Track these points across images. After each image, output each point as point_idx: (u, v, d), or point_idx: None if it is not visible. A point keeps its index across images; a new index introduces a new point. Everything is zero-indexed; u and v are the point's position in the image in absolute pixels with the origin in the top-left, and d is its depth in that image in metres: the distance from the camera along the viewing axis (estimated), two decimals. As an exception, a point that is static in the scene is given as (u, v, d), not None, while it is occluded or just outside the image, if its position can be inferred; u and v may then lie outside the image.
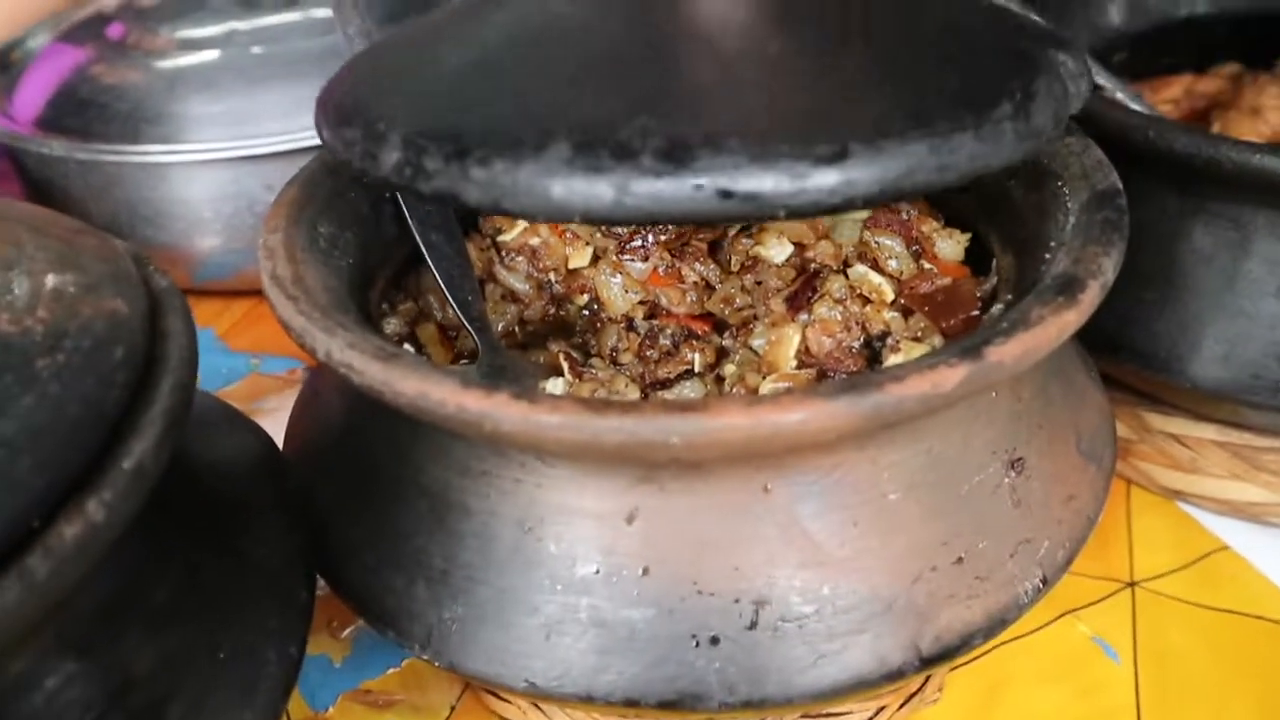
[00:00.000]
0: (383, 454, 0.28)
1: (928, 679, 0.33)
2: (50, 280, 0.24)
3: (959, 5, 0.30)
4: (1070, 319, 0.25)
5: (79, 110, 0.57)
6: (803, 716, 0.31)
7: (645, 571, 0.25)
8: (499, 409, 0.23)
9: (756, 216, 0.23)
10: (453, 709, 0.35)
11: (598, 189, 0.23)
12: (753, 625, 0.25)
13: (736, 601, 0.25)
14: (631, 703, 0.25)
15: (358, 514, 0.29)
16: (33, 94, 0.59)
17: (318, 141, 0.49)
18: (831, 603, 0.25)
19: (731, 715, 0.26)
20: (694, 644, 0.25)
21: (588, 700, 0.25)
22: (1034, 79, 0.25)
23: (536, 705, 0.33)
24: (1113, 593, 0.38)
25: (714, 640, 0.25)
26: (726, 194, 0.22)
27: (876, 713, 0.32)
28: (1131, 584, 0.38)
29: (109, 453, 0.22)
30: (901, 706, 0.33)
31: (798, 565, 0.25)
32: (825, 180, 0.22)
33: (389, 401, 0.24)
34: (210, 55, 0.59)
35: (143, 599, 0.23)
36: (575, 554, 0.26)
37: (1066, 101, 0.26)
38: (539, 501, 0.26)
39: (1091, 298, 0.26)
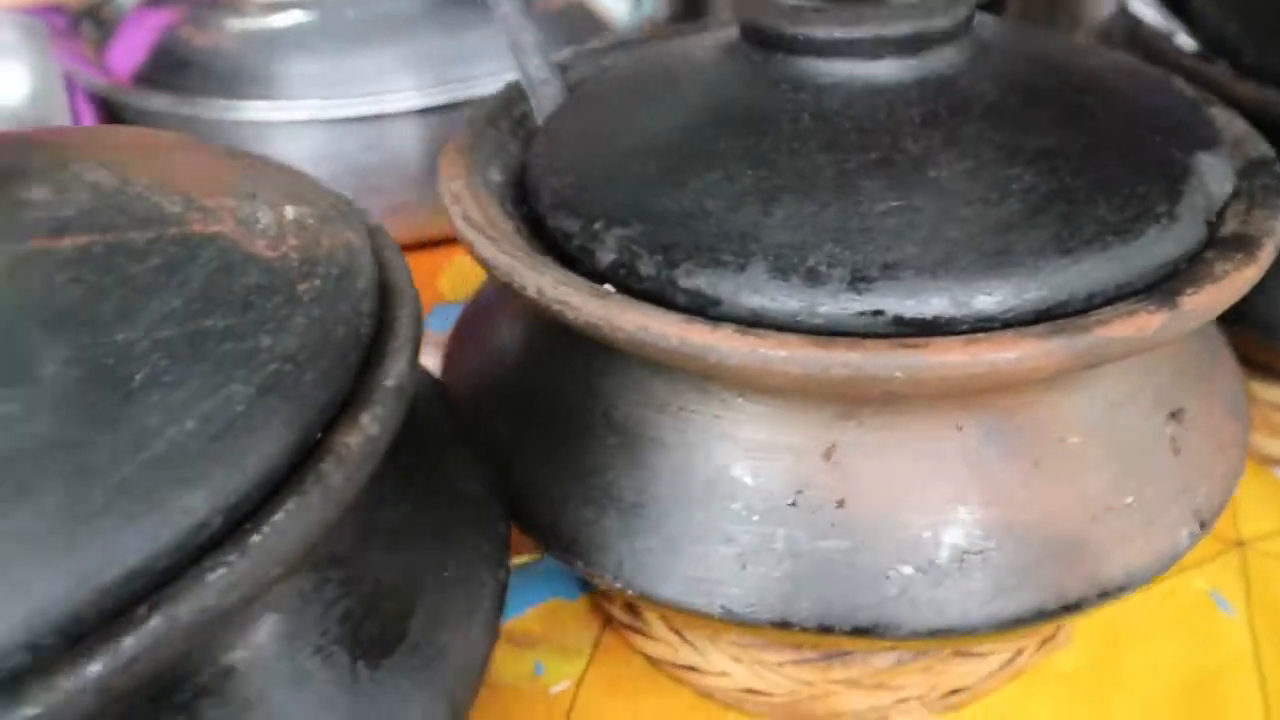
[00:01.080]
0: (570, 390, 0.29)
1: (1059, 626, 0.35)
2: (289, 212, 0.25)
3: (1120, 102, 0.31)
4: (1249, 274, 0.26)
5: (177, 67, 0.58)
6: (953, 653, 0.33)
7: (840, 504, 0.27)
8: (724, 343, 0.24)
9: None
10: (595, 646, 0.36)
11: (789, 306, 0.25)
12: (940, 558, 0.26)
13: (925, 535, 0.27)
14: (825, 629, 0.27)
15: (541, 449, 0.30)
16: (128, 50, 0.60)
17: (412, 105, 0.50)
18: (1015, 538, 0.27)
19: (917, 643, 0.27)
20: (885, 575, 0.27)
21: (782, 625, 0.27)
22: (1179, 198, 0.28)
23: (685, 640, 0.34)
24: (1222, 552, 0.39)
25: (903, 571, 0.26)
26: (900, 320, 0.25)
27: (1015, 655, 0.34)
28: (1240, 544, 0.40)
29: (367, 373, 0.23)
30: (1038, 650, 0.34)
31: (984, 502, 0.27)
32: (985, 306, 0.25)
33: (605, 336, 0.26)
34: (305, 16, 0.59)
35: (385, 518, 0.24)
36: (772, 487, 0.27)
37: (1210, 208, 0.28)
38: (738, 437, 0.27)
39: (1267, 255, 0.27)
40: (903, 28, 0.29)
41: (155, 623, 0.18)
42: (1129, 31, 0.44)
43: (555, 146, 0.32)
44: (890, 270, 0.25)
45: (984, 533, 0.27)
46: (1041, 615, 0.27)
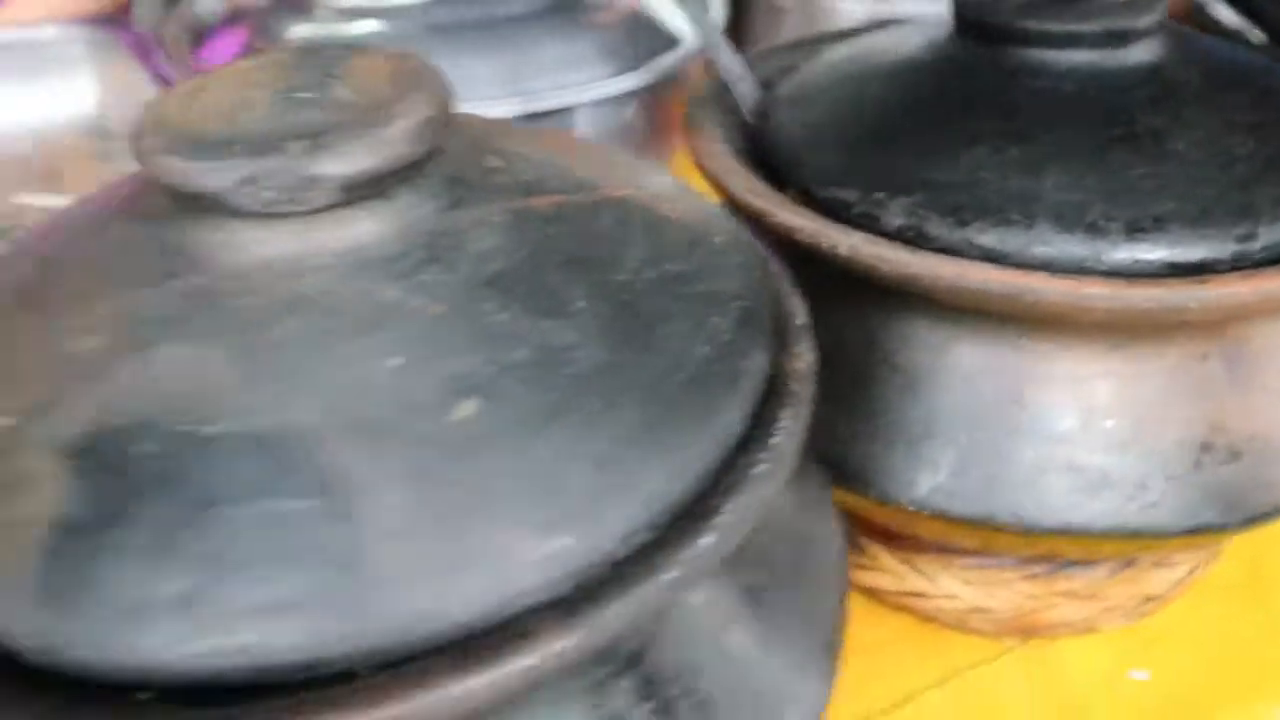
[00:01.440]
0: (851, 340, 0.33)
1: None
2: (660, 180, 0.29)
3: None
4: None
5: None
6: (1153, 564, 0.37)
7: (1110, 423, 0.31)
8: (1041, 283, 0.28)
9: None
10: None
11: (1075, 254, 0.30)
12: (1198, 464, 0.31)
13: (1178, 448, 0.31)
14: (1105, 534, 0.31)
15: (826, 391, 0.33)
16: (219, 55, 0.61)
17: (523, 109, 0.53)
18: (1252, 450, 0.32)
19: (1181, 539, 0.32)
20: (1144, 484, 0.31)
21: (1065, 532, 0.31)
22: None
23: (914, 568, 0.38)
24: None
25: (1169, 478, 0.31)
26: (1171, 264, 0.30)
27: (1195, 567, 0.39)
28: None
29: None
30: (1205, 563, 0.39)
31: (1224, 419, 0.32)
32: (1242, 249, 0.30)
33: (923, 286, 0.30)
34: (377, 25, 0.62)
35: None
36: (1053, 412, 0.31)
37: None
38: (1024, 371, 0.31)
39: None
40: (1119, 22, 0.34)
41: (730, 511, 0.21)
42: (1205, 30, 0.49)
43: (802, 131, 0.36)
44: (1160, 223, 0.30)
45: (1227, 445, 0.31)
46: (1269, 515, 0.32)
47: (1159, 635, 0.38)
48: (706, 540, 0.20)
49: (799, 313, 0.26)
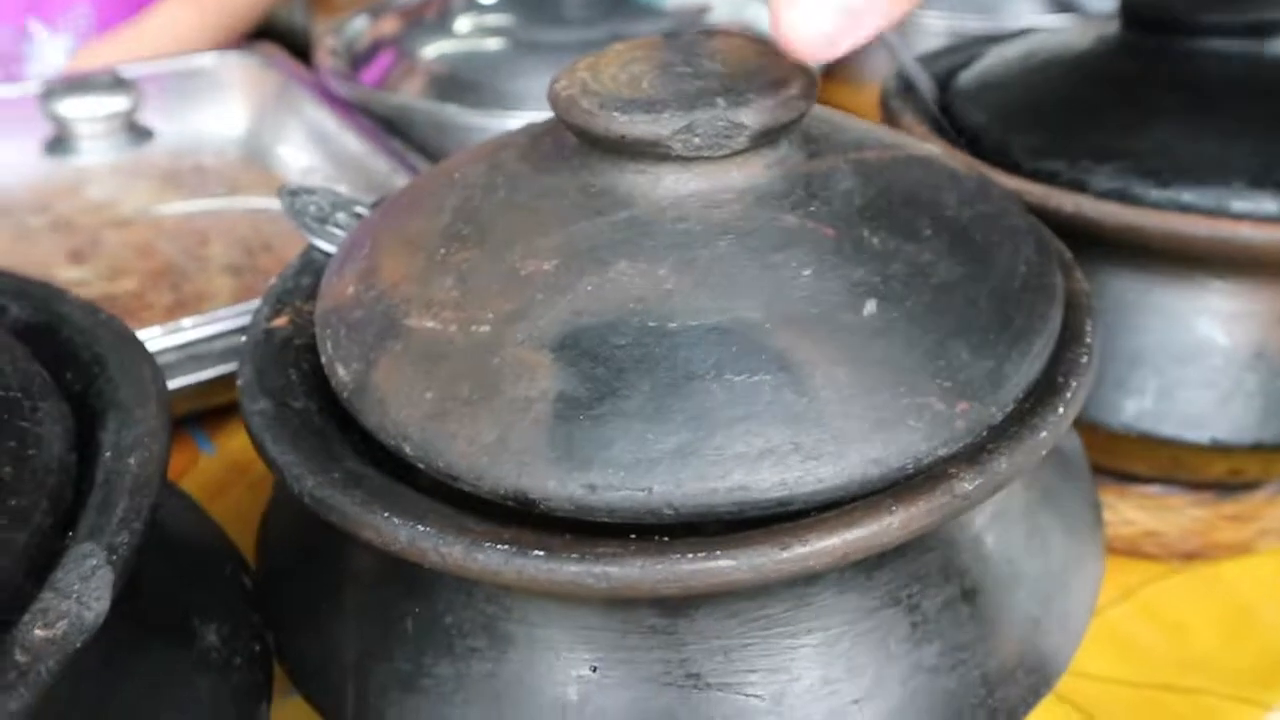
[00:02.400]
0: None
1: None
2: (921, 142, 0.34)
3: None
4: None
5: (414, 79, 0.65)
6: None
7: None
8: (1250, 230, 0.34)
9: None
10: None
11: (1268, 210, 0.35)
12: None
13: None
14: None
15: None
16: (378, 66, 0.67)
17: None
18: None
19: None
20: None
21: (1256, 448, 0.36)
22: None
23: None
24: None
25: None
26: None
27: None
28: None
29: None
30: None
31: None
32: None
33: (1139, 236, 0.35)
34: (499, 44, 0.67)
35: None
36: (1240, 344, 0.36)
37: None
38: (1217, 309, 0.36)
39: None
40: (1274, 14, 0.39)
41: (1075, 388, 0.26)
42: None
43: (996, 116, 0.41)
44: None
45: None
46: None
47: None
48: (1064, 409, 0.25)
49: (1064, 248, 0.31)
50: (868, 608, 0.25)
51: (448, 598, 0.26)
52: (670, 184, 0.27)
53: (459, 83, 0.65)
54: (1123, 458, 0.39)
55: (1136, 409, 0.37)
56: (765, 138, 0.27)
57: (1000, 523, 0.27)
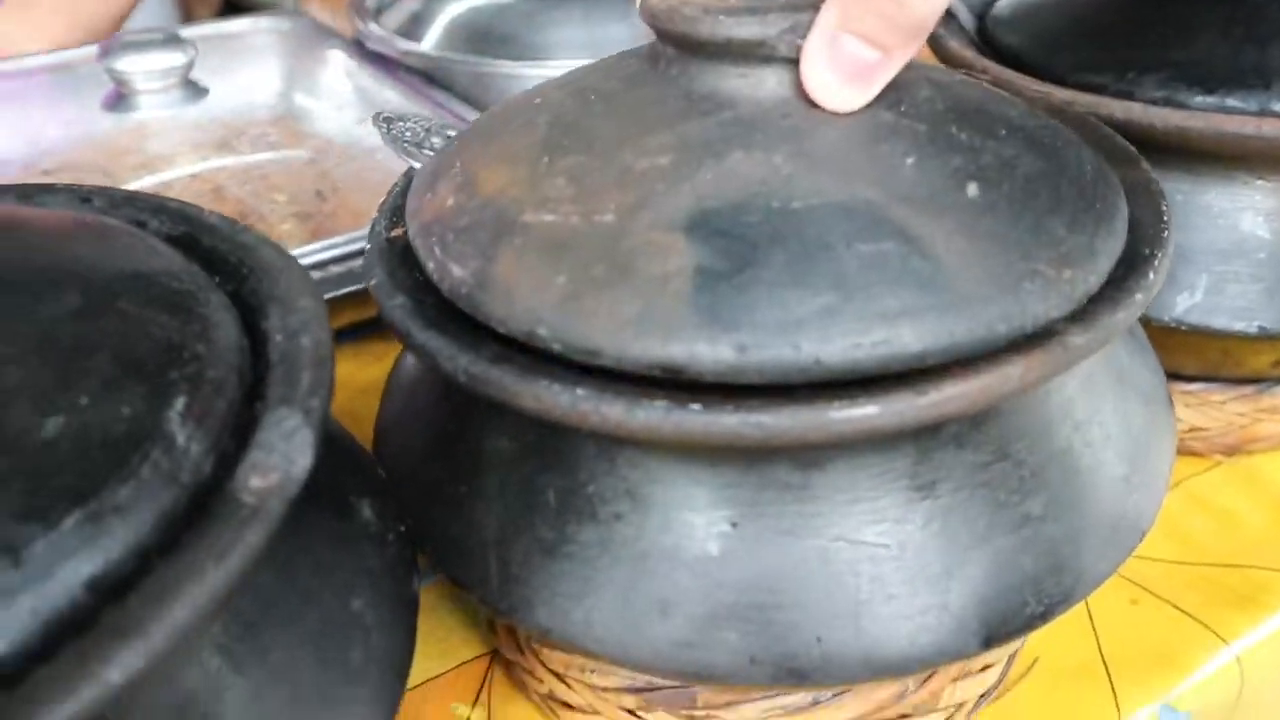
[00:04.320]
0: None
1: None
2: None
3: None
4: None
5: (466, 37, 0.66)
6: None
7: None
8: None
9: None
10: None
11: None
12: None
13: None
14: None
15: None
16: (408, 22, 0.68)
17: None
18: None
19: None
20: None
21: (1302, 336, 0.39)
22: None
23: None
24: None
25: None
26: None
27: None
28: None
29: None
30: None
31: None
32: None
33: (1189, 138, 0.37)
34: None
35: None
36: (1285, 239, 0.39)
37: None
38: (1262, 206, 0.39)
39: None
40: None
41: (1159, 264, 0.28)
42: None
43: (1039, 37, 0.43)
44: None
45: None
46: None
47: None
48: (1153, 274, 0.27)
49: (1129, 145, 0.33)
50: (982, 462, 0.27)
51: (590, 467, 0.28)
52: (772, 85, 0.29)
53: (492, 35, 0.66)
54: (1172, 353, 0.41)
55: (1187, 304, 0.39)
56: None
57: (1089, 390, 0.30)
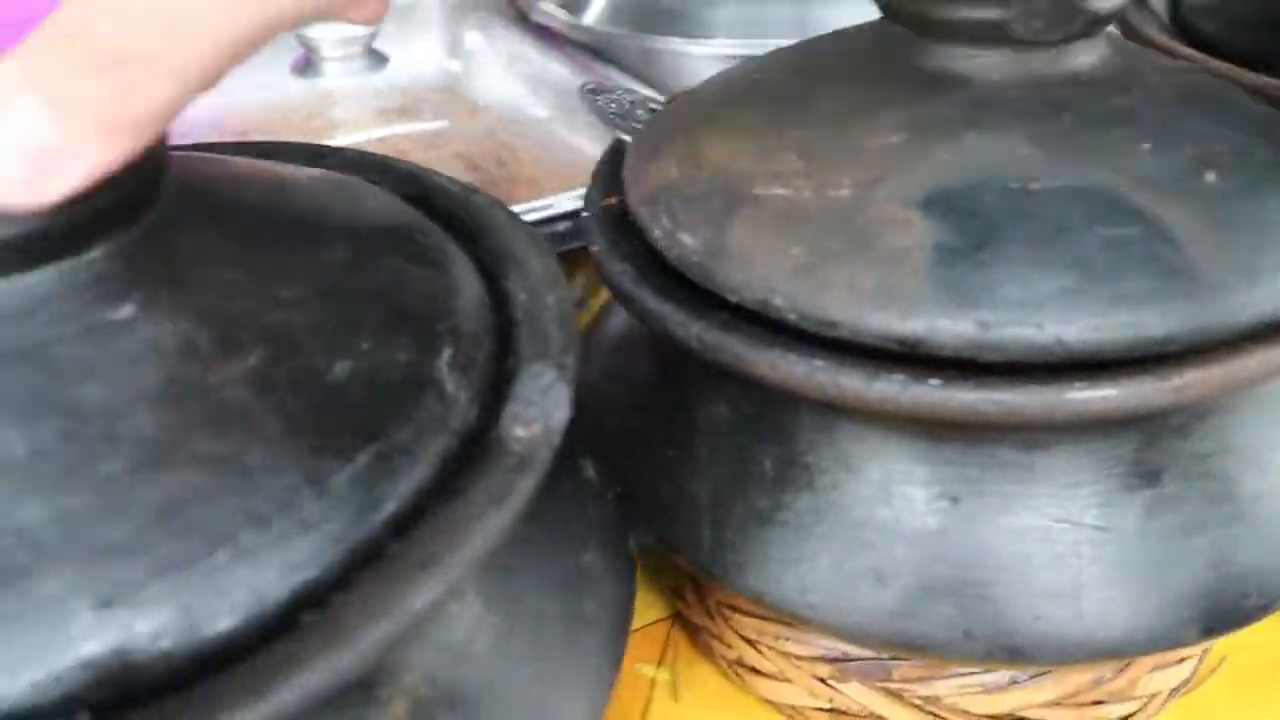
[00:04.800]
0: None
1: None
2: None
3: None
4: None
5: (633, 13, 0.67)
6: None
7: None
8: None
9: None
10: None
11: None
12: None
13: None
14: None
15: None
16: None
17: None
18: None
19: None
20: None
21: None
22: None
23: None
24: None
25: None
26: None
27: None
28: None
29: None
30: None
31: None
32: None
33: None
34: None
35: None
36: None
37: None
38: None
39: None
40: None
41: None
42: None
43: (1238, 24, 0.42)
44: None
45: None
46: None
47: None
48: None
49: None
50: (1205, 452, 0.27)
51: (809, 437, 0.28)
52: (1004, 67, 0.29)
53: (657, 10, 0.67)
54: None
55: None
56: (1097, 24, 0.28)
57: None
